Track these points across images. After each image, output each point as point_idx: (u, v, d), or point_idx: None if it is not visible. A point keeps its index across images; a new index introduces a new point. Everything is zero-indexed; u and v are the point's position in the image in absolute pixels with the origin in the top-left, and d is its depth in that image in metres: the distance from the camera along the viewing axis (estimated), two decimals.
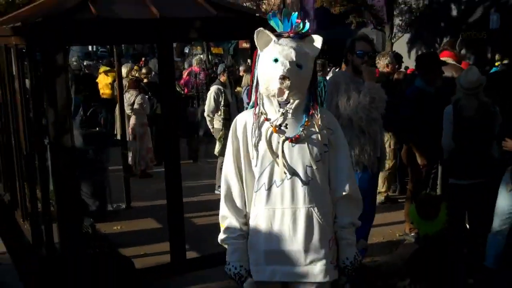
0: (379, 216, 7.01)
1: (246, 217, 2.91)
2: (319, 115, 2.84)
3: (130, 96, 9.19)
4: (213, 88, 8.32)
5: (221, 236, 2.94)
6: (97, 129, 9.06)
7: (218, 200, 2.97)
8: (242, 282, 2.86)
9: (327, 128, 2.86)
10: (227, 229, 2.91)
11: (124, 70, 10.06)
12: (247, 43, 22.11)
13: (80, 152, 7.09)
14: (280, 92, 2.72)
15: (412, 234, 6.05)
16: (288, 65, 2.68)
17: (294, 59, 2.70)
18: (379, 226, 6.67)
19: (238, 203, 2.90)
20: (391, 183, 7.76)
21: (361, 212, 2.98)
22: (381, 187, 7.57)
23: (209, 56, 28.10)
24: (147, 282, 5.03)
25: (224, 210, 2.92)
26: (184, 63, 17.06)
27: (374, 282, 4.94)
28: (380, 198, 7.62)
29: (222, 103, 8.15)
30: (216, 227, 3.05)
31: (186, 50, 33.05)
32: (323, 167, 2.84)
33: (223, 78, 8.52)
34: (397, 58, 8.21)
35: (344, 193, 2.88)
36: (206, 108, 8.39)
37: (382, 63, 7.34)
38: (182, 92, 12.05)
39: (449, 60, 6.69)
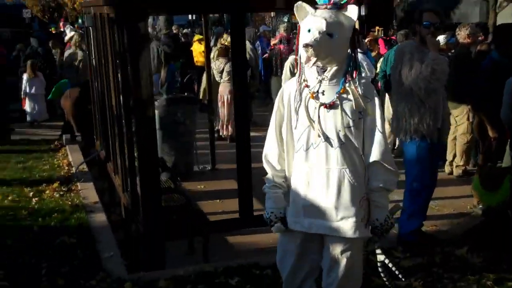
0: (453, 188, 7.13)
1: (282, 172, 3.24)
2: (356, 83, 3.02)
3: (219, 64, 9.66)
4: (290, 59, 8.51)
5: (264, 187, 3.31)
6: (186, 94, 9.57)
7: None
8: (271, 226, 3.22)
9: (363, 96, 3.02)
10: (266, 181, 3.28)
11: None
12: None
13: (168, 115, 7.70)
14: (307, 59, 2.92)
15: (480, 206, 6.10)
16: (316, 34, 2.86)
17: (324, 28, 2.87)
18: (451, 198, 6.79)
19: (275, 162, 3.22)
20: (469, 157, 7.74)
21: (396, 178, 3.15)
22: (459, 160, 7.60)
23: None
24: (217, 233, 5.54)
25: (265, 166, 3.28)
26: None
27: (431, 249, 5.11)
28: (457, 171, 7.66)
29: None
30: None
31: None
32: (356, 133, 3.03)
33: None
34: (482, 29, 8.07)
35: (375, 159, 3.06)
36: (283, 78, 8.62)
37: (462, 34, 7.27)
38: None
39: None
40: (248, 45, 14.18)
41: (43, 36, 16.45)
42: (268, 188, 3.26)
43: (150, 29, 19.02)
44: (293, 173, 3.20)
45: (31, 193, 6.81)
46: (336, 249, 3.15)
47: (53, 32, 22.19)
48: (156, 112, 7.74)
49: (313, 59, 2.90)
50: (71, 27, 13.22)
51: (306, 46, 2.85)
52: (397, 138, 5.71)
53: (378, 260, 3.30)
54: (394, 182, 3.13)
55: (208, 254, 5.25)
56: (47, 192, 6.88)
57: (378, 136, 3.07)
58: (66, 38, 12.22)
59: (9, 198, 6.64)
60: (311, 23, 2.93)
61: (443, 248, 5.14)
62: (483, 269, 4.67)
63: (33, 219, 5.90)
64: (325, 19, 2.90)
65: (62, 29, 19.78)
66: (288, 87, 3.19)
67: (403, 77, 4.88)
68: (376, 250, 3.30)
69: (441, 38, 7.37)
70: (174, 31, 19.01)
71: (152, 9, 5.19)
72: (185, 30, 18.67)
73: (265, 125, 3.47)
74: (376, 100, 3.10)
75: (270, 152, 3.25)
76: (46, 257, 4.92)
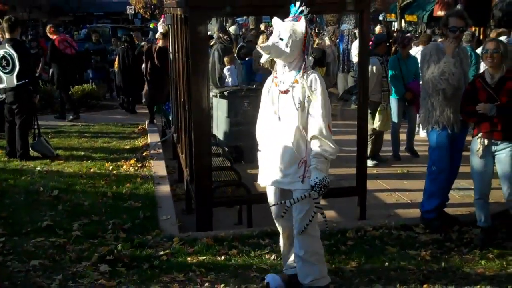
0: None
1: None
2: (305, 75, 3.89)
3: None
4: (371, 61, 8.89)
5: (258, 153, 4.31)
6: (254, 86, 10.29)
7: None
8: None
9: (309, 86, 3.88)
10: (257, 146, 4.30)
11: None
12: (443, 10, 22.03)
13: (236, 104, 8.54)
14: (263, 57, 3.92)
15: None
16: (272, 39, 3.88)
17: (277, 34, 3.87)
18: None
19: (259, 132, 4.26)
20: None
21: (331, 150, 3.88)
22: None
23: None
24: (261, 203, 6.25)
25: (258, 138, 4.28)
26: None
27: (450, 228, 5.62)
28: None
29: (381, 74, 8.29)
30: None
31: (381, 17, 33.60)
32: (301, 114, 3.91)
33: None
34: None
35: (314, 134, 3.87)
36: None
37: None
38: None
39: None
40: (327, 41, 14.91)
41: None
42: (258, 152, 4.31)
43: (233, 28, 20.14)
44: (261, 142, 4.23)
45: (111, 167, 7.90)
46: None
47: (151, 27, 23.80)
48: (226, 101, 8.71)
49: (266, 56, 3.90)
50: (163, 24, 14.26)
51: (261, 48, 3.89)
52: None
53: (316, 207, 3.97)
54: (329, 152, 3.88)
55: (251, 222, 5.99)
56: (124, 167, 7.94)
57: (317, 118, 3.87)
58: (157, 34, 13.27)
59: (92, 170, 7.77)
60: (274, 31, 3.96)
61: (461, 227, 5.65)
62: (490, 246, 5.16)
63: (108, 187, 6.94)
64: (281, 28, 3.89)
65: None
66: (269, 78, 4.15)
67: (424, 74, 5.50)
68: (315, 201, 3.94)
69: (502, 39, 7.73)
70: (262, 28, 20.02)
71: (212, 11, 5.99)
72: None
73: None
74: (319, 90, 3.88)
75: (257, 127, 4.26)
76: (113, 216, 5.89)
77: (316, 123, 3.86)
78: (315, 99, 3.88)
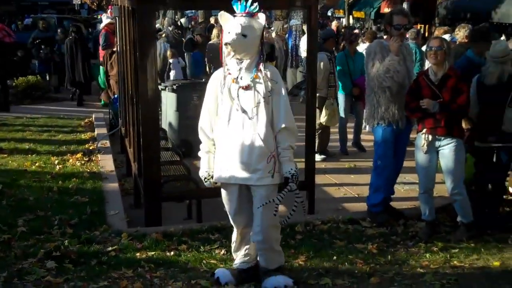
0: None
1: (213, 140, 4.15)
2: (264, 70, 3.95)
3: None
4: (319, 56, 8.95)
5: (199, 152, 4.26)
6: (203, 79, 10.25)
7: None
8: (205, 182, 4.21)
9: (271, 79, 3.98)
10: (201, 147, 4.23)
11: None
12: (389, 7, 22.38)
13: (185, 98, 8.48)
14: (228, 53, 3.92)
15: None
16: (234, 35, 3.83)
17: (239, 31, 3.83)
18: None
19: (208, 132, 4.16)
20: None
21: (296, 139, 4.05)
22: None
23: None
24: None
25: (200, 135, 4.20)
26: None
27: (396, 222, 5.76)
28: None
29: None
30: None
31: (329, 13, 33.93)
32: (265, 107, 3.96)
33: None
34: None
35: (282, 126, 3.97)
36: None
37: (461, 34, 7.79)
38: None
39: None
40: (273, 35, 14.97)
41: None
42: (204, 153, 4.22)
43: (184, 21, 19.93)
44: (218, 139, 4.10)
45: (56, 161, 7.74)
46: (256, 195, 4.06)
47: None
48: (175, 95, 8.64)
49: (232, 53, 3.91)
50: (108, 15, 14.03)
51: (226, 44, 3.88)
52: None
53: (296, 199, 4.05)
54: (294, 142, 4.09)
55: (201, 216, 5.97)
56: (71, 161, 7.80)
57: (285, 109, 4.00)
58: (102, 25, 13.07)
59: (37, 164, 7.59)
60: (230, 27, 3.92)
61: (406, 221, 5.79)
62: (434, 239, 5.32)
63: (54, 182, 6.80)
64: (240, 24, 3.87)
65: None
66: (216, 74, 4.14)
67: (368, 72, 5.63)
68: (295, 192, 4.04)
69: (446, 37, 7.92)
70: (212, 22, 19.89)
71: (159, 4, 5.92)
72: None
73: None
74: (280, 82, 4.05)
75: (204, 125, 4.20)
76: (60, 211, 5.78)
77: (285, 114, 3.98)
78: (278, 92, 3.99)
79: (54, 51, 14.88)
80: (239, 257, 4.35)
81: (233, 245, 4.39)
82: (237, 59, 3.94)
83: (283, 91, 4.04)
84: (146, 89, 5.60)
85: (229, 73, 4.00)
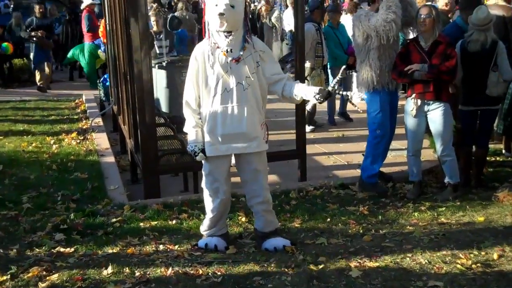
0: None
1: (199, 114, 4.24)
2: (251, 41, 4.14)
3: None
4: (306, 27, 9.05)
5: (185, 127, 4.32)
6: None
7: None
8: (195, 156, 4.27)
9: (259, 50, 4.19)
10: (188, 122, 4.29)
11: None
12: None
13: (175, 75, 8.62)
14: (221, 24, 3.98)
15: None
16: (224, 6, 3.93)
17: (228, 2, 3.94)
18: None
19: (194, 105, 4.23)
20: None
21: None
22: None
23: None
24: None
25: (185, 109, 4.28)
26: None
27: (385, 184, 6.02)
28: None
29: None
30: None
31: None
32: (257, 77, 4.17)
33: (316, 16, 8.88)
34: None
35: (282, 76, 4.29)
36: None
37: (441, 1, 7.96)
38: None
39: (500, 2, 7.18)
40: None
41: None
42: (190, 127, 4.27)
43: None
44: (209, 113, 4.18)
45: (52, 141, 7.90)
46: (252, 163, 4.27)
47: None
48: (164, 71, 8.78)
49: (225, 25, 3.99)
50: None
51: (221, 15, 3.94)
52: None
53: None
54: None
55: (198, 188, 6.18)
56: (66, 140, 7.97)
57: (276, 68, 4.32)
58: (82, 6, 13.03)
59: (33, 144, 7.75)
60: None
61: (394, 184, 6.06)
62: (422, 199, 5.60)
63: (53, 161, 6.98)
64: None
65: None
66: (200, 48, 4.18)
67: (366, 30, 5.67)
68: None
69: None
70: None
71: None
72: None
73: None
74: (268, 50, 4.34)
75: (189, 99, 4.24)
76: (61, 188, 5.97)
77: (279, 71, 4.31)
78: (269, 59, 4.25)
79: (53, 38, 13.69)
80: (218, 227, 4.47)
81: (208, 221, 4.47)
82: (226, 31, 4.02)
83: (272, 56, 4.31)
84: (140, 66, 5.77)
85: (218, 47, 4.09)
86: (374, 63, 5.76)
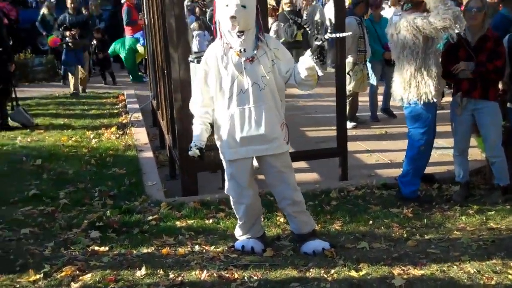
0: None
1: (206, 114, 4.11)
2: (265, 40, 3.97)
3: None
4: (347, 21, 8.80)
5: (193, 124, 4.20)
6: None
7: None
8: (189, 150, 4.06)
9: (273, 48, 4.00)
10: (194, 120, 4.17)
11: None
12: None
13: None
14: (233, 27, 3.81)
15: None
16: (235, 7, 3.75)
17: (239, 2, 3.75)
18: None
19: (200, 105, 4.10)
20: None
21: None
22: None
23: None
24: None
25: (192, 109, 4.18)
26: None
27: (430, 186, 5.80)
28: None
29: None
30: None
31: None
32: (274, 76, 4.00)
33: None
34: None
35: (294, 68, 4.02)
36: None
37: None
38: None
39: None
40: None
41: None
42: (197, 124, 4.14)
43: None
44: (225, 115, 4.02)
45: (92, 135, 7.90)
46: (275, 165, 4.10)
47: None
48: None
49: (237, 27, 3.80)
50: None
51: (232, 17, 3.77)
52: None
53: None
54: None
55: None
56: (105, 135, 7.96)
57: (292, 61, 4.07)
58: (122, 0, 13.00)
59: (73, 139, 7.76)
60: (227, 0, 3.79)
61: (440, 185, 5.82)
62: (470, 202, 5.34)
63: (91, 155, 6.96)
64: None
65: None
66: (212, 50, 4.03)
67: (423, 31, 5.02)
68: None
69: None
70: None
71: None
72: None
73: None
74: (282, 47, 4.10)
75: (197, 100, 4.12)
76: (99, 183, 5.93)
77: (293, 63, 4.06)
78: (284, 56, 4.04)
79: (89, 38, 12.60)
80: (253, 231, 4.33)
81: (241, 227, 4.34)
82: (238, 32, 3.83)
83: (287, 53, 4.08)
84: (177, 61, 5.67)
85: (230, 47, 3.92)
86: (435, 70, 5.15)
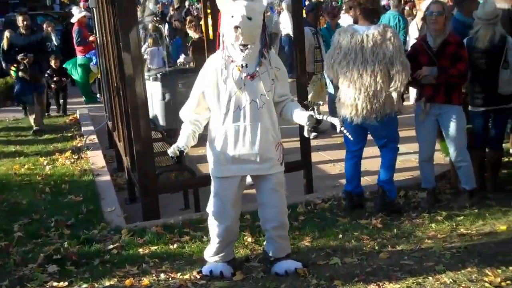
0: None
1: (196, 121, 3.92)
2: (268, 57, 3.83)
3: None
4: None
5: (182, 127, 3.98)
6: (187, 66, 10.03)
7: None
8: (171, 151, 3.76)
9: (274, 67, 3.87)
10: (183, 125, 3.96)
11: None
12: None
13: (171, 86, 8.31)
14: (236, 38, 3.64)
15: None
16: (240, 18, 3.59)
17: (245, 13, 3.60)
18: None
19: (191, 112, 3.92)
20: None
21: None
22: None
23: None
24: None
25: (183, 116, 3.98)
26: None
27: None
28: None
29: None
30: None
31: None
32: (271, 95, 3.88)
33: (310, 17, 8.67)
34: None
35: (287, 97, 3.98)
36: None
37: None
38: None
39: None
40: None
41: None
42: (185, 129, 3.91)
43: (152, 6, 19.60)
44: (220, 131, 3.87)
45: (45, 162, 7.58)
46: (267, 184, 3.95)
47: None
48: (159, 83, 8.46)
49: (240, 38, 3.64)
50: (79, 8, 13.58)
51: (236, 28, 3.60)
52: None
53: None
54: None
55: (199, 205, 5.87)
56: (60, 160, 7.65)
57: (287, 89, 4.02)
58: (73, 19, 12.71)
59: (26, 166, 7.43)
60: (233, 10, 3.67)
61: (406, 192, 5.74)
62: (438, 208, 5.27)
63: (46, 183, 6.66)
64: (244, 6, 3.64)
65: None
66: (212, 62, 3.88)
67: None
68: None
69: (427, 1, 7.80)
70: (187, 6, 19.62)
71: None
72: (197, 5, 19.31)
73: None
74: (283, 67, 3.96)
75: (189, 108, 3.95)
76: (55, 213, 5.64)
77: (288, 93, 4.02)
78: (282, 79, 3.94)
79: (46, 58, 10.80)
80: (224, 254, 4.13)
81: (213, 247, 4.14)
82: (241, 45, 3.69)
83: (286, 76, 4.01)
84: (133, 80, 5.46)
85: (232, 61, 3.78)
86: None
